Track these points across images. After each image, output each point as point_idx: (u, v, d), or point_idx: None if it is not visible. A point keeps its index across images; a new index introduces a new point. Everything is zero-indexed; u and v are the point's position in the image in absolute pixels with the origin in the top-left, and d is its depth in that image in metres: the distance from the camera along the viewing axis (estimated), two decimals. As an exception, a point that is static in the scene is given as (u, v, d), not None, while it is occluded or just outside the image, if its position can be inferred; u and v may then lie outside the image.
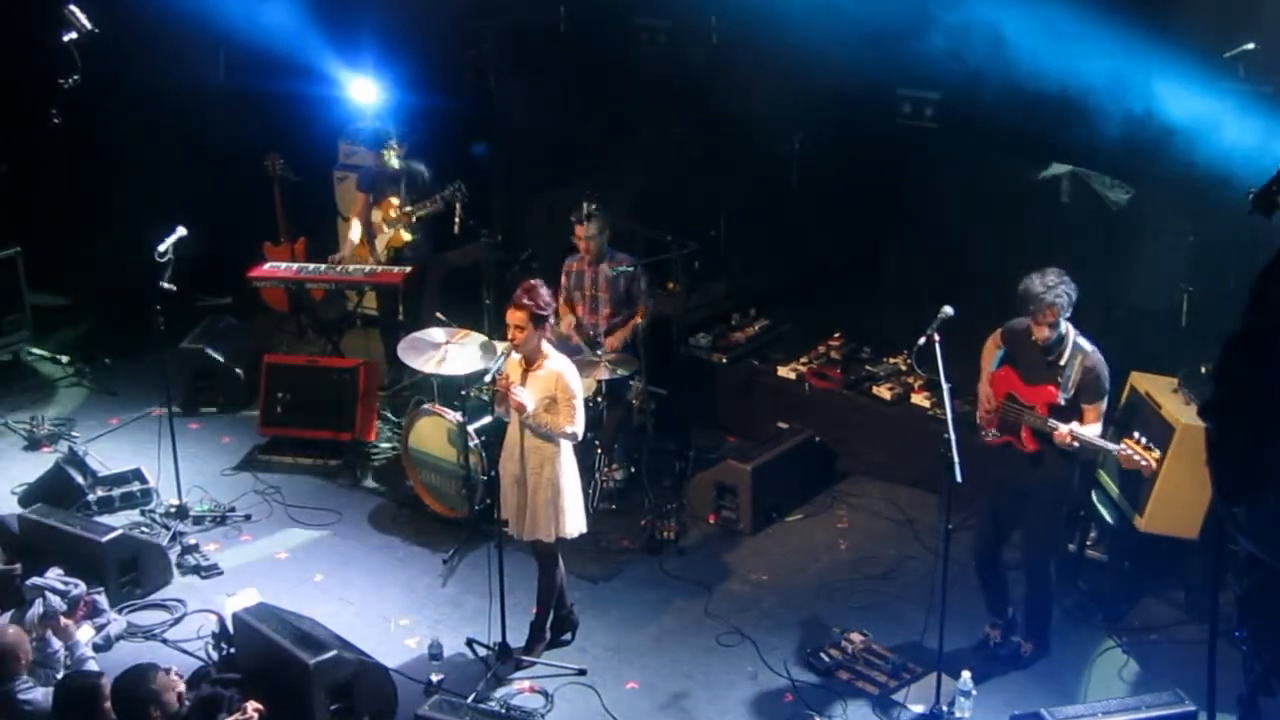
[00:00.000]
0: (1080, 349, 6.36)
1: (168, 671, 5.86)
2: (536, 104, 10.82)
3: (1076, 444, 6.25)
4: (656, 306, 8.64)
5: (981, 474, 6.67)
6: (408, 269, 9.23)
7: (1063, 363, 6.36)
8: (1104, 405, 6.40)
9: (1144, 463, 6.16)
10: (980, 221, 8.50)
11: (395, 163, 9.26)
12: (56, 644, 6.43)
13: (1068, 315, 6.31)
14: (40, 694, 5.96)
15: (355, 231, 9.45)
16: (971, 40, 7.95)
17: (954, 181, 8.77)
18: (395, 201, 9.26)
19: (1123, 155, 7.71)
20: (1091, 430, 6.33)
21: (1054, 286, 6.22)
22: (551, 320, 6.60)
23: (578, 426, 6.52)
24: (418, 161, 9.38)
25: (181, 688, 5.97)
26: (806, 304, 9.88)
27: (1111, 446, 6.24)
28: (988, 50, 7.91)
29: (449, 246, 9.94)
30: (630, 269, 8.31)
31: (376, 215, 9.39)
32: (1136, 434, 6.29)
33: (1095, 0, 7.69)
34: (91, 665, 6.42)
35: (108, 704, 5.59)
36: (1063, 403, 6.35)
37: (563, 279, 8.50)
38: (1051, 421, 6.29)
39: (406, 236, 9.29)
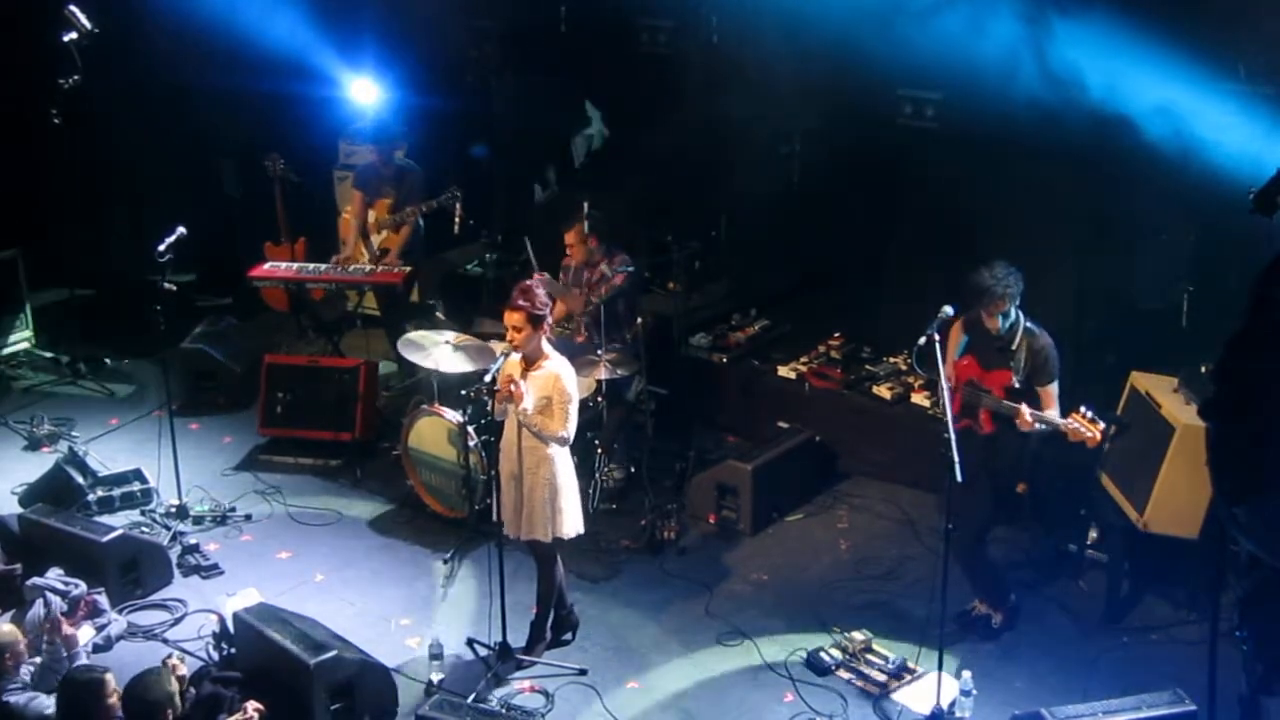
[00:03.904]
0: (1030, 333, 6.65)
1: (174, 670, 5.87)
2: (537, 104, 10.82)
3: (1039, 426, 6.46)
4: (638, 321, 8.46)
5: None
6: (407, 269, 9.23)
7: (1014, 347, 6.64)
8: (1056, 388, 6.63)
9: (1089, 434, 6.38)
10: (980, 221, 8.50)
11: (398, 162, 9.25)
12: (65, 650, 6.42)
13: (1017, 304, 6.58)
14: (24, 699, 5.96)
15: (355, 230, 9.45)
16: (973, 42, 7.96)
17: (954, 181, 8.77)
18: (389, 203, 9.27)
19: (1124, 155, 7.72)
20: (1050, 414, 6.55)
21: (1001, 279, 6.52)
22: (550, 320, 6.60)
23: (569, 431, 6.52)
24: (411, 161, 9.37)
25: (183, 671, 5.99)
26: (807, 304, 9.88)
27: (1061, 421, 6.45)
28: (989, 51, 7.93)
29: (449, 246, 9.95)
30: (630, 269, 8.30)
31: (371, 215, 9.39)
32: (1083, 408, 6.40)
33: (1094, 1, 7.71)
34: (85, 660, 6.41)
35: (111, 699, 5.59)
36: (1017, 385, 6.62)
37: (561, 276, 8.50)
38: (1021, 407, 6.49)
39: (397, 238, 9.28)
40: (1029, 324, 6.67)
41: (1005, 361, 6.64)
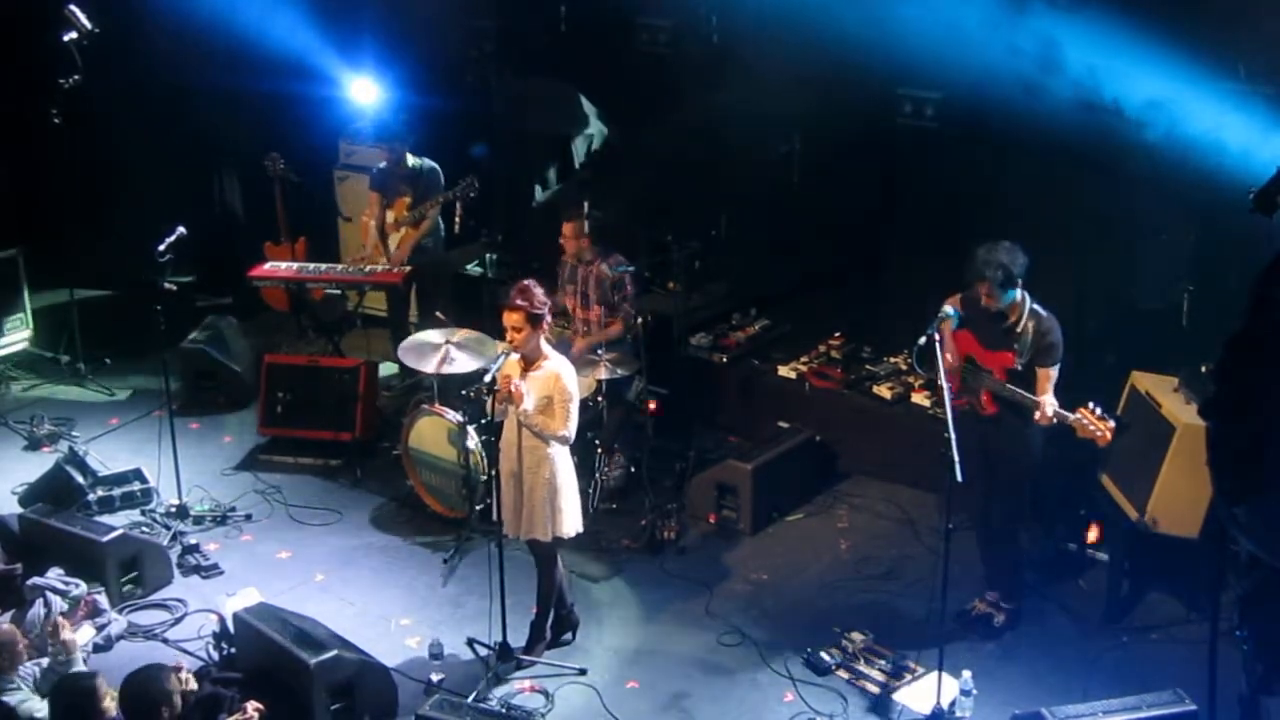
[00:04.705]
0: (1036, 315, 6.57)
1: (178, 672, 5.84)
2: (537, 104, 10.81)
3: (1056, 420, 6.39)
4: (637, 320, 8.38)
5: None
6: (407, 269, 9.23)
7: (1019, 329, 6.55)
8: (1056, 372, 6.54)
9: (1098, 432, 6.30)
10: (980, 221, 8.48)
11: (407, 161, 9.26)
12: (65, 655, 6.39)
13: (1010, 285, 6.46)
14: (16, 699, 5.94)
15: (374, 232, 9.46)
16: (973, 41, 7.96)
17: (954, 181, 8.77)
18: (407, 201, 9.27)
19: (1124, 155, 7.72)
20: (1049, 399, 6.47)
21: (990, 262, 6.43)
22: (549, 319, 6.59)
23: (570, 430, 6.53)
24: (426, 159, 9.37)
25: (193, 686, 5.96)
26: (807, 303, 9.87)
27: (1072, 416, 6.38)
28: (989, 51, 7.92)
29: (449, 246, 9.94)
30: (630, 269, 8.30)
31: (389, 215, 9.39)
32: (1091, 404, 6.36)
33: (1094, 2, 7.71)
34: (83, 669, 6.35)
35: (104, 704, 5.58)
36: (1019, 367, 6.55)
37: (559, 271, 8.50)
38: (1042, 400, 6.41)
39: (415, 232, 9.28)
40: (1035, 305, 6.59)
41: (1009, 343, 6.56)
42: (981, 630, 7.03)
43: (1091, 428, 6.31)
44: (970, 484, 6.52)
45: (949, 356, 6.69)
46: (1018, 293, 6.53)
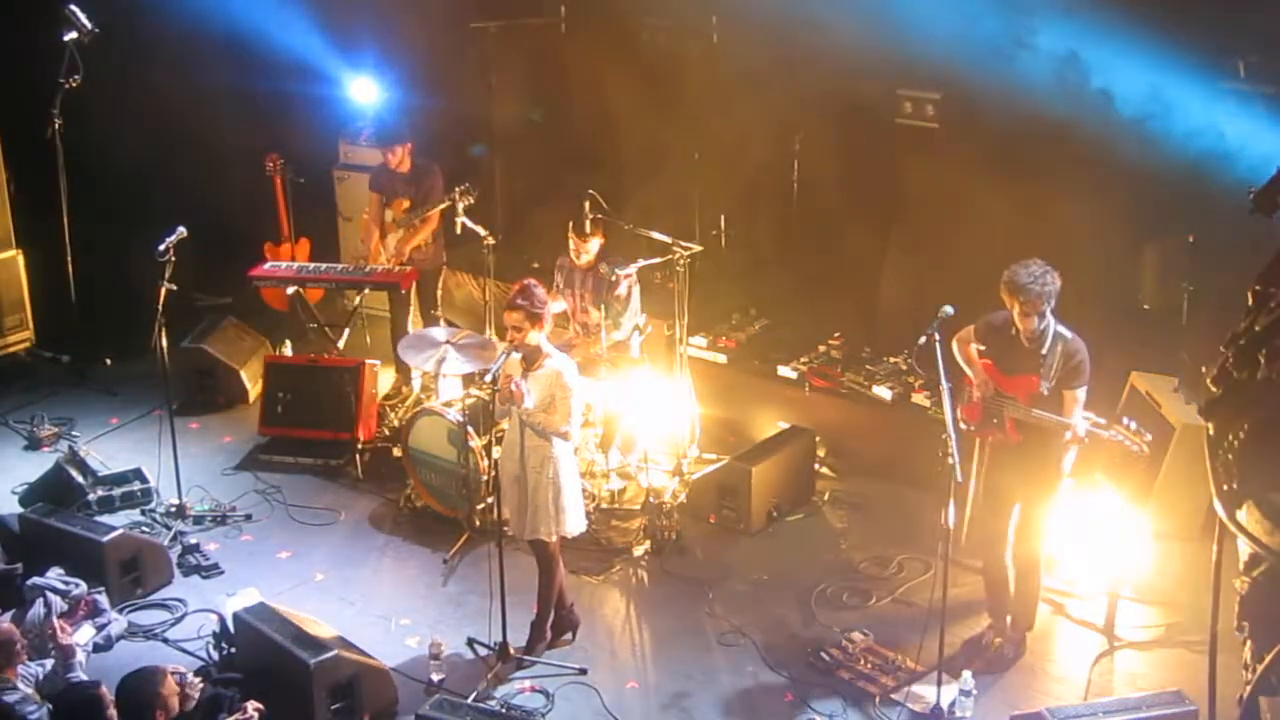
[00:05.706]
0: (1061, 336, 6.36)
1: (179, 679, 5.81)
2: (536, 103, 10.82)
3: (1089, 439, 6.25)
4: (642, 324, 8.39)
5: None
6: (408, 269, 9.23)
7: (1044, 351, 6.36)
8: (1084, 395, 6.36)
9: (1135, 447, 6.23)
10: (980, 221, 8.50)
11: (408, 163, 9.27)
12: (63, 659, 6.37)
13: (1052, 305, 6.30)
14: (15, 698, 5.94)
15: (373, 231, 9.46)
16: (973, 41, 7.97)
17: (954, 181, 8.78)
18: (407, 203, 9.27)
19: (1123, 155, 7.72)
20: (1079, 418, 6.33)
21: (1039, 277, 6.22)
22: (548, 318, 6.59)
23: (574, 426, 6.54)
24: (429, 162, 9.37)
25: (194, 692, 5.92)
26: (807, 304, 9.88)
27: (1106, 433, 6.27)
28: (989, 51, 7.94)
29: (449, 247, 9.94)
30: (627, 271, 8.27)
31: (388, 214, 9.39)
32: (1126, 419, 6.28)
33: (1096, 2, 7.72)
34: (81, 675, 6.33)
35: (110, 711, 5.56)
36: (1045, 392, 6.35)
37: (555, 275, 8.49)
38: (1074, 423, 6.26)
39: (413, 238, 9.29)
40: (1060, 327, 6.37)
41: (1034, 367, 6.35)
42: (993, 660, 6.78)
43: (1129, 444, 6.18)
44: (992, 520, 6.50)
45: (976, 391, 6.59)
46: (1048, 313, 6.32)
